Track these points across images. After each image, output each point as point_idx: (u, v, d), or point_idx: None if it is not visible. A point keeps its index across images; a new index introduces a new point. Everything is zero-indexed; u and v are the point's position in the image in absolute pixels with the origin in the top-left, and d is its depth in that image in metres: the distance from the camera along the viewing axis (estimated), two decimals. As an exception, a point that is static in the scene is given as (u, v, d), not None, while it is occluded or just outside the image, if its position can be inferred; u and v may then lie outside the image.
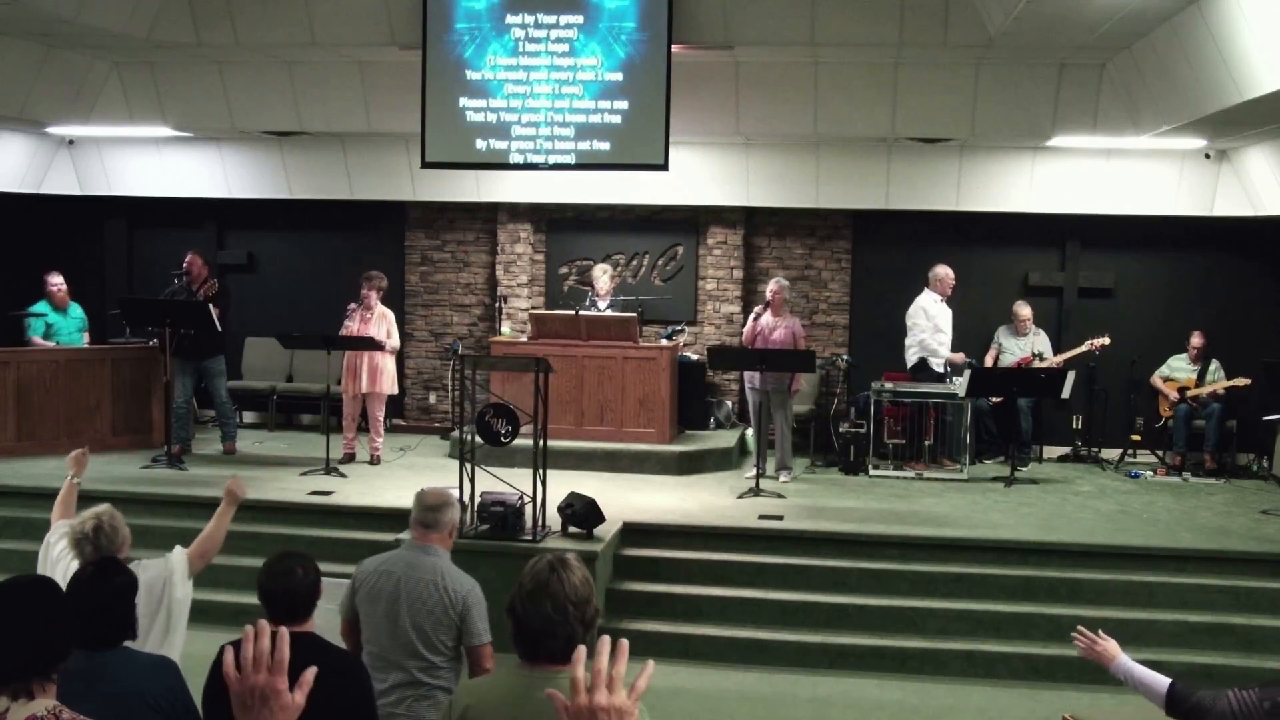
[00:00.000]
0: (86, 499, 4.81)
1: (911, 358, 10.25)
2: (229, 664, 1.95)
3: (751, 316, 9.70)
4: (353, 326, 9.71)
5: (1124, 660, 3.66)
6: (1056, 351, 10.65)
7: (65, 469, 5.01)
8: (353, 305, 9.80)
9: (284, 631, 1.98)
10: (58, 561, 4.37)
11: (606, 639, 1.89)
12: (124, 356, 10.34)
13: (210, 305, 9.51)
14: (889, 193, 10.89)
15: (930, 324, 10.13)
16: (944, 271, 10.26)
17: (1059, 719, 3.89)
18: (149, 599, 4.20)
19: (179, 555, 4.44)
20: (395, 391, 10.11)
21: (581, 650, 1.91)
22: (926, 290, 10.25)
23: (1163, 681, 3.53)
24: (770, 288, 9.66)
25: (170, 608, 4.27)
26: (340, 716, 3.27)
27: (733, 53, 9.25)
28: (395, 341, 9.89)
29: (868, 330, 11.56)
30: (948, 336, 10.23)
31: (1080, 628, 3.85)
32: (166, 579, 4.30)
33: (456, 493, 4.58)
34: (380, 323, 9.75)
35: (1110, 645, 3.71)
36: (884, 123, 9.76)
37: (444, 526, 4.44)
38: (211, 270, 10.56)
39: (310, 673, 1.96)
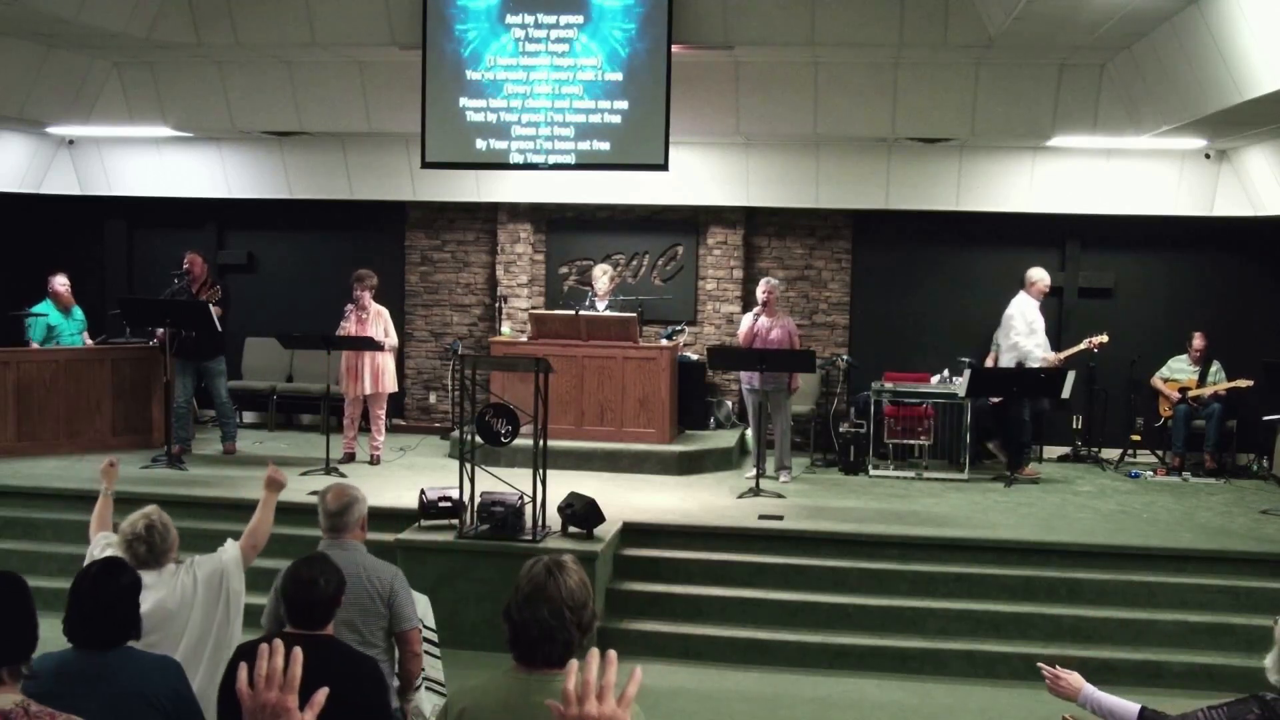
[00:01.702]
0: (86, 498, 4.83)
1: (1006, 362, 10.18)
2: (242, 680, 2.00)
3: (751, 316, 9.67)
4: (349, 328, 9.70)
5: (1090, 691, 3.70)
6: (1055, 351, 10.64)
7: (97, 481, 5.08)
8: (349, 307, 9.78)
9: (298, 652, 2.04)
10: None
11: (595, 650, 1.94)
12: (124, 356, 10.33)
13: (211, 305, 9.51)
14: (889, 193, 10.89)
15: (1026, 327, 10.10)
16: (1038, 274, 10.20)
17: (1059, 719, 3.90)
18: (208, 593, 4.32)
19: (232, 548, 4.54)
20: (396, 389, 10.12)
21: (574, 662, 1.96)
22: (1022, 293, 10.18)
23: (1131, 708, 3.57)
24: (762, 289, 9.62)
25: (229, 599, 4.36)
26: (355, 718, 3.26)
27: (733, 53, 9.25)
28: (394, 339, 9.88)
29: (868, 330, 11.57)
30: (1043, 338, 10.19)
31: (1041, 664, 3.90)
32: (223, 572, 4.40)
33: (357, 487, 4.61)
34: (377, 321, 9.73)
35: (1074, 678, 3.75)
36: (884, 123, 9.76)
37: (353, 525, 4.47)
38: (209, 271, 10.55)
39: (321, 694, 2.01)
